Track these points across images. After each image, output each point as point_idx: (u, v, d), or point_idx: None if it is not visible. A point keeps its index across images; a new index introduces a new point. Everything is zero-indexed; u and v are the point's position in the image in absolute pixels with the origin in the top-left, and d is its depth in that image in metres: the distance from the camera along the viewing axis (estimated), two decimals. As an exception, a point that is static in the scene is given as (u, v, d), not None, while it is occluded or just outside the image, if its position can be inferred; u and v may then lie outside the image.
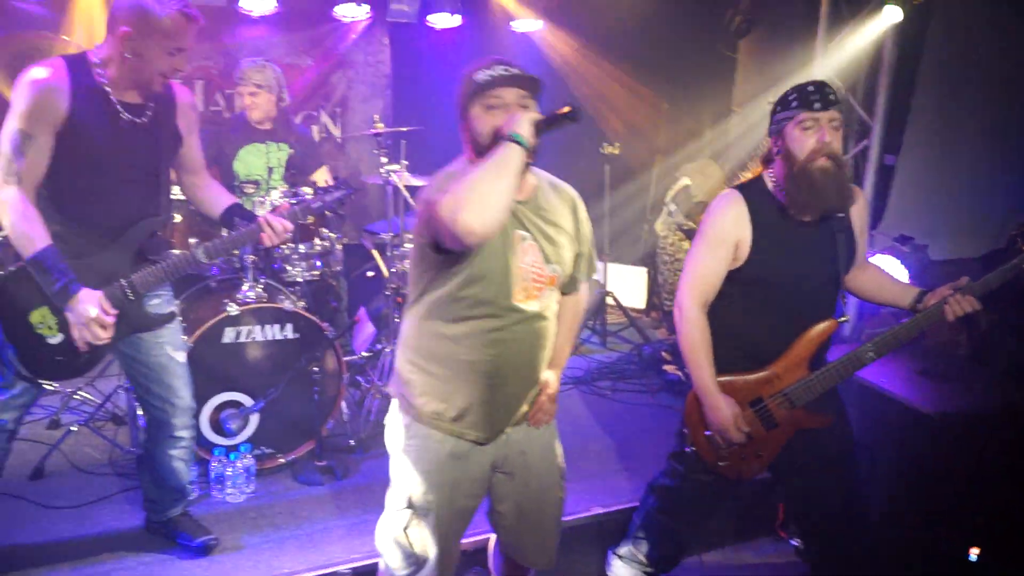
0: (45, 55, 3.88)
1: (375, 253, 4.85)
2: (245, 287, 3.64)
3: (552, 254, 2.13)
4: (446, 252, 1.99)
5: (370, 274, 5.17)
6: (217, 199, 2.92)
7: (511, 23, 6.01)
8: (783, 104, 2.39)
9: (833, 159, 2.31)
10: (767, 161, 2.50)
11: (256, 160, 4.35)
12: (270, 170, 4.42)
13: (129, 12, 2.42)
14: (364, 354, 4.51)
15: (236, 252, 3.59)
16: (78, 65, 2.48)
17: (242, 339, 3.53)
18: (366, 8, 5.44)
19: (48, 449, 3.67)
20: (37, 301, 2.55)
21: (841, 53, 4.63)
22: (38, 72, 2.42)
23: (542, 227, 2.12)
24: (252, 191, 4.37)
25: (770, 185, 2.47)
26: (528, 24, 6.04)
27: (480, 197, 1.82)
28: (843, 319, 2.50)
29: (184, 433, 2.95)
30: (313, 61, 5.88)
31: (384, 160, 4.21)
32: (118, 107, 2.53)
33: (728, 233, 2.41)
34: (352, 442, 3.86)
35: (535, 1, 5.95)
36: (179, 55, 2.49)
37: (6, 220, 2.44)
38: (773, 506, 3.53)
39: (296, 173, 4.23)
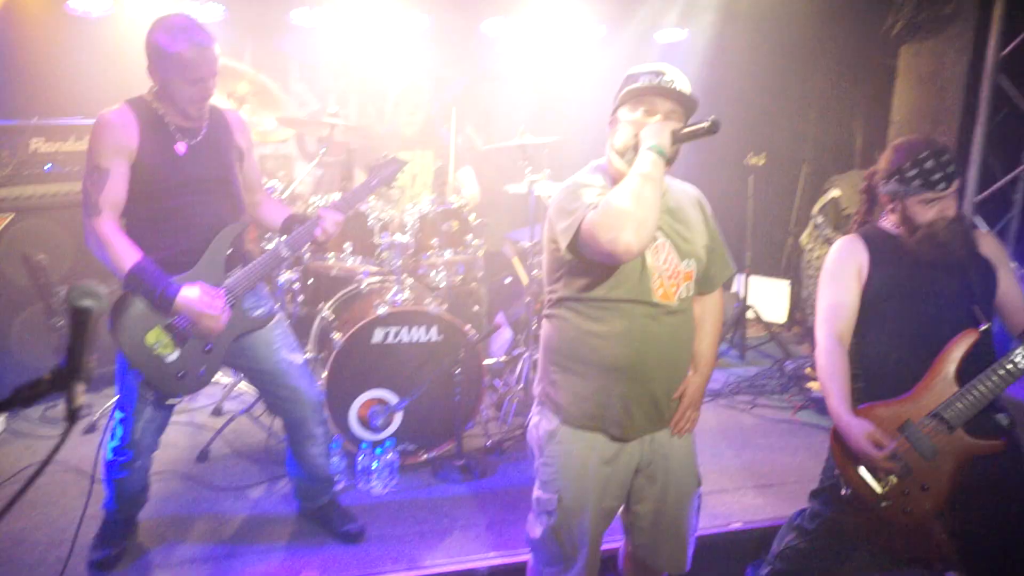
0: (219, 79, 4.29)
1: (515, 260, 4.94)
2: (393, 290, 3.81)
3: (686, 250, 2.19)
4: (586, 260, 2.05)
5: (508, 280, 5.28)
6: (276, 213, 3.11)
7: (655, 33, 5.98)
8: (900, 178, 2.37)
9: (955, 219, 2.36)
10: (872, 211, 2.49)
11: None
12: (414, 177, 4.60)
13: (148, 50, 2.66)
14: (502, 358, 4.61)
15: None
16: (140, 103, 2.72)
17: (390, 340, 3.69)
18: (512, 23, 5.55)
19: (212, 435, 3.97)
20: (149, 322, 2.73)
21: (1016, 62, 4.32)
22: (107, 114, 2.67)
23: (673, 225, 2.19)
24: (397, 196, 4.57)
25: (890, 228, 2.50)
26: (672, 34, 5.99)
27: (637, 217, 1.90)
28: (984, 327, 2.35)
29: (318, 429, 3.11)
30: (460, 73, 6.06)
31: (527, 169, 4.29)
32: (174, 132, 2.73)
33: (847, 261, 2.45)
34: (489, 443, 3.96)
35: (681, 10, 5.90)
36: (200, 84, 2.67)
37: (99, 248, 2.65)
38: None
39: (442, 181, 4.39)
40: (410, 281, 4.02)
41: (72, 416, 1.02)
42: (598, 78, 6.02)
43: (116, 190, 2.64)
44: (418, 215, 4.08)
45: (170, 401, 2.86)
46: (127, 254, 2.63)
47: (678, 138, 2.01)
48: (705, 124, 1.98)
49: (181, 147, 2.73)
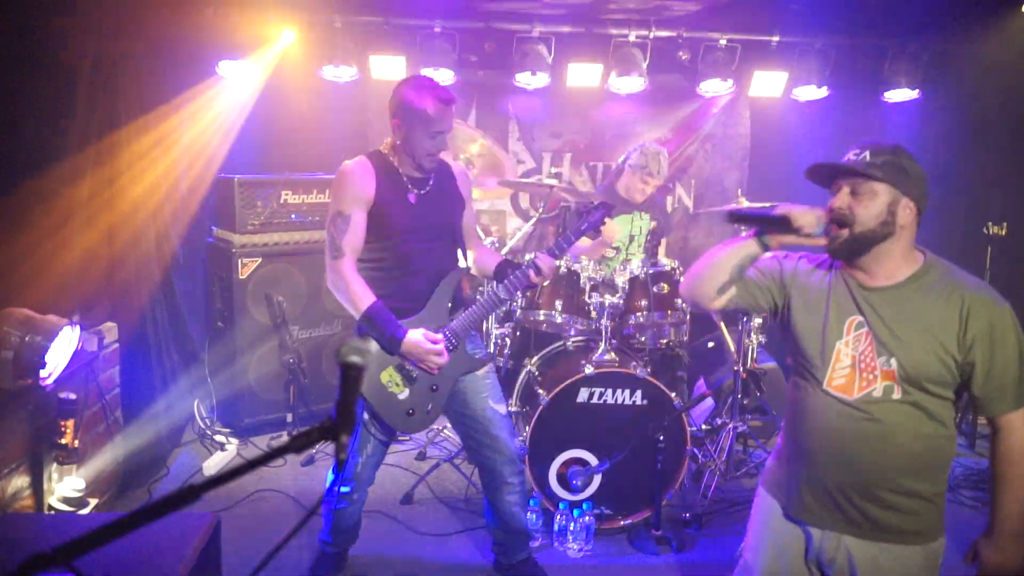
0: (450, 140, 4.57)
1: (722, 324, 4.80)
2: (600, 350, 3.81)
3: (891, 346, 2.00)
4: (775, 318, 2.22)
5: (711, 344, 5.13)
6: (489, 259, 3.21)
7: (885, 94, 5.67)
8: None
9: None
10: None
11: (622, 228, 4.58)
12: (631, 238, 4.61)
13: (396, 106, 2.87)
14: (703, 426, 4.46)
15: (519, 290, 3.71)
16: (376, 156, 2.94)
17: (595, 400, 3.68)
18: (730, 84, 5.47)
19: (417, 479, 4.12)
20: (384, 362, 2.91)
21: None
22: (350, 165, 2.89)
23: (887, 317, 2.03)
24: (611, 255, 4.59)
25: None
26: (902, 94, 5.66)
27: (697, 274, 2.20)
28: None
29: (514, 479, 3.15)
30: (673, 135, 6.05)
31: (742, 233, 4.17)
32: (407, 182, 2.92)
33: None
34: (688, 516, 3.82)
35: (910, 71, 5.56)
36: (439, 137, 2.85)
37: (339, 288, 2.86)
38: None
39: (655, 242, 4.36)
40: (615, 342, 4.00)
41: (340, 465, 1.08)
42: (821, 140, 5.81)
43: (356, 235, 2.87)
44: (629, 276, 4.07)
45: (399, 437, 3.04)
46: (365, 296, 2.84)
47: (744, 219, 2.30)
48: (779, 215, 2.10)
49: (412, 196, 2.93)
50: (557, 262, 3.08)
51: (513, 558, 3.30)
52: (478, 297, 3.09)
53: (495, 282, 3.08)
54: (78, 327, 3.15)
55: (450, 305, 3.00)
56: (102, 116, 3.77)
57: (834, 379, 2.05)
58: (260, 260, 4.59)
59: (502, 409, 3.11)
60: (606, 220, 3.09)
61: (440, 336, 2.92)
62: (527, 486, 3.26)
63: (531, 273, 2.98)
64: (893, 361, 2.01)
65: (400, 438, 3.09)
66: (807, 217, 2.06)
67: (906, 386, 2.01)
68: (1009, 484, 2.02)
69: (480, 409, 3.05)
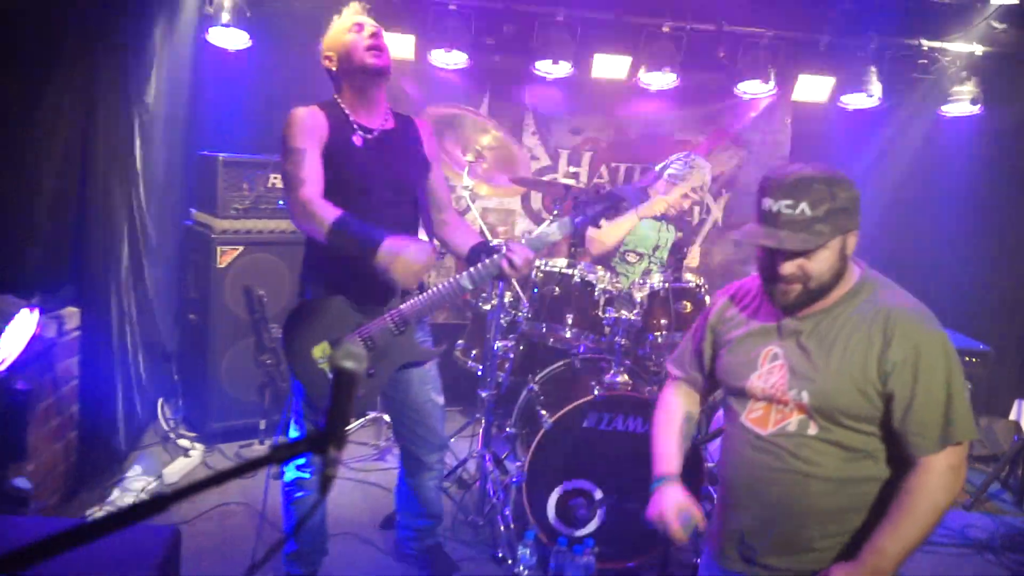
0: (459, 129, 4.58)
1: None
2: (611, 371, 3.79)
3: (806, 376, 2.00)
4: None
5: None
6: (464, 237, 3.18)
7: (942, 107, 5.67)
8: None
9: None
10: None
11: (648, 234, 4.59)
12: (655, 248, 4.60)
13: (323, 48, 2.99)
14: (721, 464, 4.44)
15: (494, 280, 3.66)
16: (327, 103, 2.99)
17: (603, 426, 3.66)
18: (771, 86, 5.47)
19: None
20: (318, 336, 2.91)
21: None
22: (299, 108, 2.93)
23: (809, 345, 2.03)
24: (634, 261, 4.58)
25: None
26: (961, 108, 5.66)
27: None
28: None
29: (438, 465, 3.38)
30: (705, 138, 6.05)
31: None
32: (354, 124, 2.96)
33: None
34: (697, 560, 3.79)
35: (971, 84, 5.56)
36: (361, 30, 2.92)
37: (303, 215, 2.76)
38: None
39: (678, 257, 4.35)
40: (629, 363, 3.99)
41: (324, 485, 1.07)
42: (867, 153, 5.81)
43: (314, 167, 2.85)
44: (649, 291, 4.06)
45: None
46: (329, 211, 2.74)
47: None
48: None
49: (358, 139, 2.95)
50: (534, 257, 2.98)
51: (425, 542, 3.50)
52: (435, 283, 3.02)
53: (463, 269, 3.02)
54: (37, 311, 3.14)
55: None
56: (78, 83, 3.76)
57: (751, 411, 2.10)
58: (241, 249, 4.58)
59: (441, 400, 3.27)
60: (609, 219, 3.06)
61: (433, 248, 2.85)
62: (444, 467, 3.46)
63: (503, 264, 2.90)
64: (804, 394, 2.00)
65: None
66: (678, 534, 2.15)
67: (821, 420, 1.99)
68: (900, 520, 1.93)
69: (422, 400, 3.18)
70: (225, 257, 4.54)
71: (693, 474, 3.70)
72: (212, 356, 4.59)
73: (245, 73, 4.98)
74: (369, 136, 2.98)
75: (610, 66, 5.45)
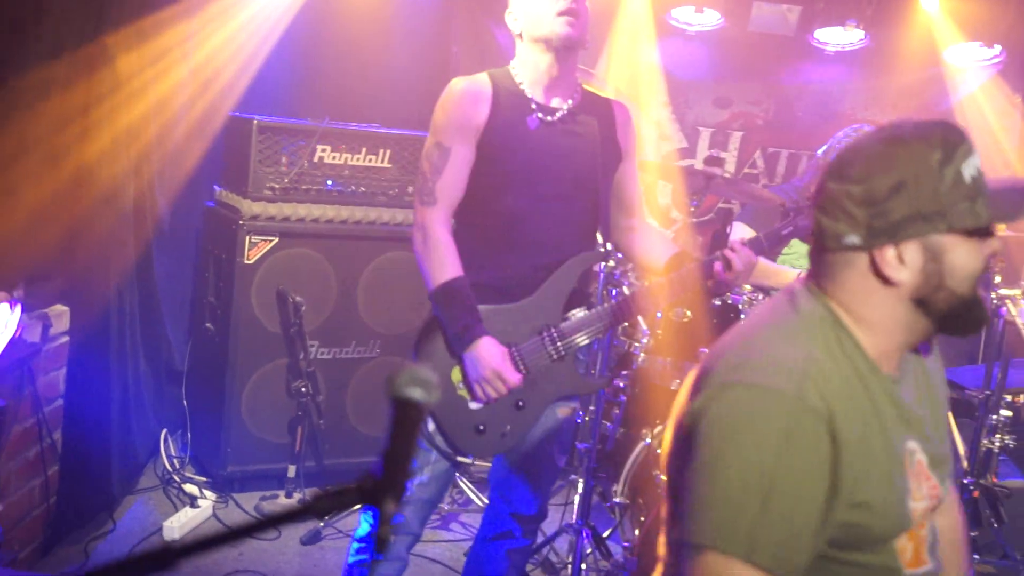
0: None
1: (949, 417, 4.67)
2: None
3: (938, 458, 1.88)
4: None
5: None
6: (656, 247, 3.23)
7: None
8: None
9: None
10: None
11: (798, 261, 4.58)
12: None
13: None
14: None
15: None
16: (500, 75, 3.08)
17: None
18: (996, 51, 5.35)
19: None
20: (459, 356, 2.99)
21: None
22: (458, 82, 3.05)
23: (929, 420, 1.88)
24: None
25: None
26: None
27: None
28: None
29: (525, 537, 3.33)
30: (899, 120, 5.94)
31: (997, 278, 4.07)
32: (531, 101, 3.02)
33: None
34: None
35: None
36: None
37: (422, 246, 2.99)
38: None
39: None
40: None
41: (382, 545, 1.09)
42: None
43: (456, 177, 3.00)
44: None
45: (459, 459, 3.11)
46: (449, 265, 2.96)
47: None
48: None
49: (533, 120, 3.03)
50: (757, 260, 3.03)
51: None
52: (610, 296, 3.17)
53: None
54: (19, 307, 3.27)
55: (569, 298, 3.06)
56: (80, 17, 3.91)
57: (903, 554, 1.81)
58: (276, 240, 4.69)
59: (560, 461, 3.29)
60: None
61: (519, 375, 2.96)
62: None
63: (716, 267, 2.96)
64: (947, 480, 1.92)
65: (461, 460, 3.13)
66: None
67: None
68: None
69: (539, 453, 3.20)
70: (255, 250, 4.65)
71: None
72: (232, 379, 4.69)
73: (291, 23, 5.11)
74: (549, 118, 3.06)
75: (773, 17, 5.41)
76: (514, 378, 2.94)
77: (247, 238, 4.63)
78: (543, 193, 3.03)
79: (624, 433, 4.29)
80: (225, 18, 4.81)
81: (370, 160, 4.89)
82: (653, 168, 4.84)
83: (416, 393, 1.15)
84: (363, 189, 4.86)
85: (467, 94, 3.01)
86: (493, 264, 3.03)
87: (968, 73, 5.77)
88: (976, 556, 4.42)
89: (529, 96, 3.04)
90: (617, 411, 4.27)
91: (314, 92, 5.28)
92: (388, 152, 4.91)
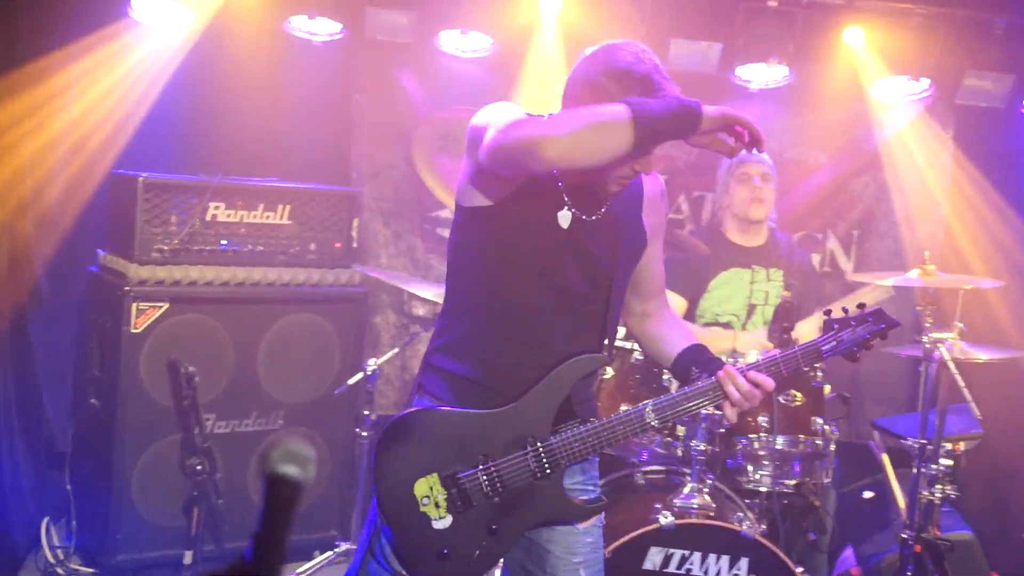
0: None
1: (886, 462, 4.77)
2: (687, 489, 3.80)
3: None
4: None
5: (868, 495, 5.08)
6: (674, 336, 3.09)
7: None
8: None
9: None
10: None
11: (735, 293, 4.68)
12: (751, 308, 4.63)
13: (585, 78, 2.77)
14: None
15: (695, 416, 3.73)
16: None
17: (672, 568, 3.66)
18: (924, 84, 5.52)
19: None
20: (427, 465, 2.84)
21: None
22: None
23: None
24: (715, 335, 4.61)
25: None
26: None
27: None
28: None
29: None
30: (828, 158, 6.09)
31: (928, 322, 4.18)
32: (563, 193, 2.81)
33: None
34: None
35: None
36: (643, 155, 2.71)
37: (571, 119, 2.60)
38: None
39: (786, 325, 4.37)
40: (711, 478, 4.01)
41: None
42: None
43: None
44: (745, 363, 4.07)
45: None
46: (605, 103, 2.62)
47: None
48: None
49: (566, 218, 2.84)
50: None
51: None
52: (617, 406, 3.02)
53: (650, 400, 2.94)
54: None
55: (561, 407, 2.88)
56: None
57: None
58: (167, 306, 4.65)
59: None
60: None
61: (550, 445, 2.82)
62: None
63: (723, 402, 2.87)
64: None
65: None
66: None
67: None
68: None
69: None
70: (143, 318, 4.62)
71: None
72: (121, 458, 4.62)
73: (178, 71, 5.13)
74: (586, 217, 2.86)
75: (693, 55, 5.52)
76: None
77: (134, 305, 4.59)
78: (556, 289, 2.87)
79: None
80: (106, 68, 4.81)
81: (268, 217, 4.88)
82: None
83: (291, 470, 1.16)
84: (261, 248, 4.85)
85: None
86: (485, 357, 2.88)
87: (896, 109, 5.93)
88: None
89: (562, 190, 2.83)
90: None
91: (205, 146, 5.27)
92: (287, 208, 4.90)
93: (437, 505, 2.84)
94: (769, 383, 2.86)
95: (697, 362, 2.97)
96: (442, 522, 2.86)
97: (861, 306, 3.04)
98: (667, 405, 2.88)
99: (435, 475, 2.84)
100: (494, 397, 2.86)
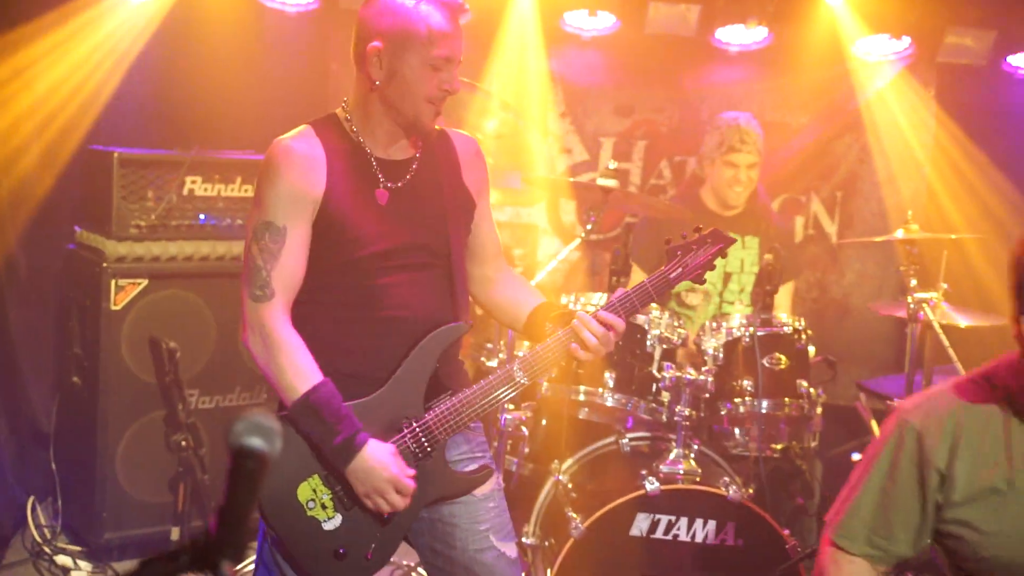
0: (452, 108, 4.61)
1: (873, 426, 4.77)
2: (672, 455, 3.80)
3: None
4: None
5: (856, 457, 5.09)
6: (519, 298, 3.10)
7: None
8: None
9: None
10: None
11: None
12: (727, 276, 4.62)
13: (369, 27, 2.75)
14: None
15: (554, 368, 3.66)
16: (329, 126, 2.87)
17: (659, 534, 3.67)
18: (905, 43, 5.50)
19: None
20: (306, 468, 2.80)
21: None
22: (286, 143, 2.79)
23: None
24: (696, 303, 4.59)
25: None
26: None
27: None
28: None
29: None
30: (810, 120, 6.07)
31: (912, 282, 4.17)
32: (376, 169, 2.84)
33: None
34: None
35: None
36: (447, 67, 2.74)
37: (264, 351, 2.74)
38: None
39: (769, 288, 4.35)
40: (698, 444, 4.01)
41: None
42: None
43: (295, 264, 2.78)
44: (725, 339, 4.06)
45: None
46: (306, 371, 2.72)
47: None
48: None
49: (383, 193, 2.85)
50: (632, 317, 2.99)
51: None
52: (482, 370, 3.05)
53: (516, 360, 2.96)
54: None
55: (428, 385, 2.89)
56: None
57: None
58: (146, 282, 4.62)
59: (511, 550, 3.02)
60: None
61: (411, 472, 2.79)
62: None
63: (572, 347, 2.86)
64: None
65: None
66: None
67: None
68: None
69: (474, 550, 2.95)
70: (123, 295, 4.58)
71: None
72: (105, 437, 4.59)
73: (150, 42, 5.06)
74: (398, 185, 2.88)
75: (671, 18, 5.49)
76: (411, 482, 2.75)
77: (113, 282, 4.55)
78: (396, 267, 2.85)
79: (532, 468, 4.31)
80: (77, 41, 4.75)
81: (246, 190, 4.83)
82: (548, 185, 4.89)
83: (256, 442, 1.14)
84: (240, 222, 4.80)
85: (298, 159, 2.76)
86: (347, 348, 2.85)
87: (876, 68, 5.92)
88: (910, 574, 4.53)
89: (369, 152, 2.85)
90: (523, 445, 4.28)
91: (180, 119, 5.22)
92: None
93: (324, 506, 2.81)
94: (620, 323, 2.86)
95: (549, 317, 2.96)
96: (332, 522, 2.83)
97: (698, 230, 3.04)
98: (532, 360, 2.89)
99: (316, 476, 2.81)
100: (362, 385, 2.83)
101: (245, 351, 2.87)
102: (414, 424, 2.83)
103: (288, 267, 2.76)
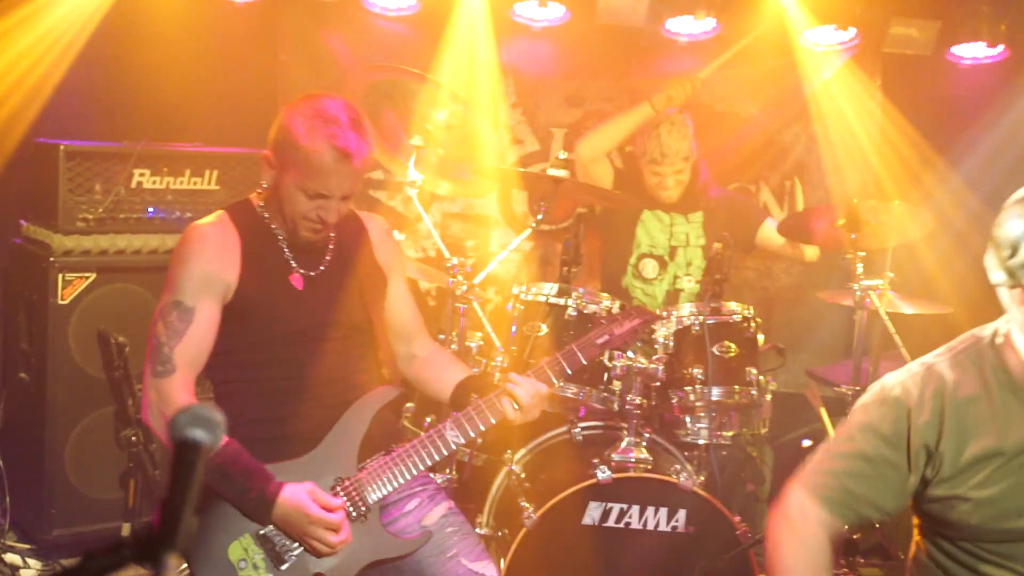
0: (402, 99, 4.60)
1: (823, 413, 4.81)
2: (624, 444, 3.81)
3: None
4: None
5: (807, 444, 5.13)
6: (444, 373, 3.21)
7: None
8: None
9: None
10: None
11: (658, 233, 4.79)
12: (673, 250, 4.68)
13: (275, 132, 2.88)
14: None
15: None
16: (244, 212, 2.99)
17: (611, 523, 3.68)
18: (851, 34, 5.54)
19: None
20: (236, 528, 2.80)
21: None
22: (201, 228, 2.92)
23: None
24: (653, 276, 4.65)
25: None
26: None
27: None
28: None
29: None
30: (759, 110, 6.10)
31: (859, 271, 4.20)
32: (289, 256, 2.95)
33: None
34: None
35: None
36: (319, 203, 2.83)
37: (160, 425, 2.83)
38: None
39: (719, 276, 4.37)
40: (649, 432, 4.03)
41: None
42: (988, 121, 5.86)
43: (199, 341, 2.85)
44: (675, 327, 4.08)
45: None
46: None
47: None
48: None
49: (298, 279, 2.96)
50: (553, 385, 3.13)
51: None
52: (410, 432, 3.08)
53: (449, 419, 3.05)
54: None
55: (361, 445, 2.93)
56: None
57: None
58: (93, 276, 4.58)
59: (490, 570, 3.06)
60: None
61: (337, 499, 2.83)
62: None
63: (508, 408, 3.00)
64: None
65: None
66: None
67: None
68: None
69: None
70: (70, 289, 4.54)
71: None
72: (53, 432, 4.57)
73: (95, 33, 5.00)
74: (312, 273, 2.99)
75: (622, 8, 5.49)
76: (336, 518, 2.77)
77: (60, 276, 4.52)
78: (317, 339, 2.95)
79: (485, 459, 4.31)
80: (21, 31, 4.69)
81: (195, 183, 4.81)
82: (499, 175, 4.89)
83: (197, 434, 1.14)
84: (189, 215, 4.75)
85: (212, 243, 2.89)
86: (272, 417, 2.90)
87: (823, 59, 5.95)
88: (861, 559, 4.57)
89: (282, 239, 2.96)
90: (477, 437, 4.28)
91: (127, 111, 5.18)
92: (215, 173, 4.84)
93: (255, 567, 2.81)
94: (543, 388, 3.04)
95: (477, 388, 3.09)
96: None
97: (623, 306, 3.41)
98: (464, 420, 2.98)
99: (247, 535, 2.82)
100: (296, 445, 2.88)
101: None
102: (345, 482, 2.86)
103: (193, 343, 2.83)
